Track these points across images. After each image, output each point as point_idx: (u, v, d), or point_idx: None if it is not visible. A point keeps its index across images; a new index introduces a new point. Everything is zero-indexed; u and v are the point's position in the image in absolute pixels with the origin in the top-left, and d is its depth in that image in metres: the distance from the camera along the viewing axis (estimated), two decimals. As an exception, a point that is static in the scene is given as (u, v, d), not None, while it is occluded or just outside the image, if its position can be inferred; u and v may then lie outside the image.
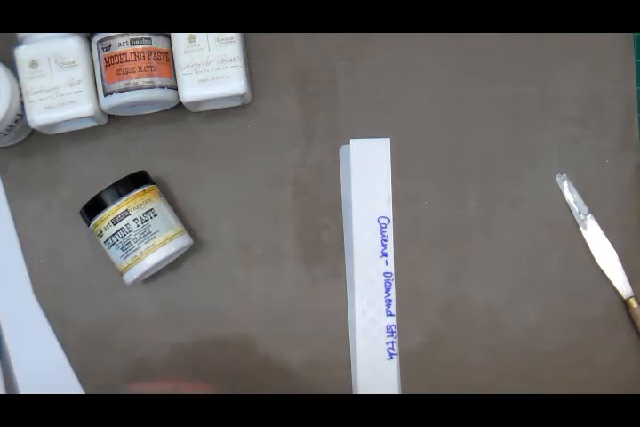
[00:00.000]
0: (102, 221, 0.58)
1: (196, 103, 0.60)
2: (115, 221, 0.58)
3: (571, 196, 0.63)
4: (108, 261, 0.60)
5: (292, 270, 0.63)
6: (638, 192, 0.63)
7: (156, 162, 0.63)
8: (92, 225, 0.59)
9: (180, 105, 0.62)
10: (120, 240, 0.58)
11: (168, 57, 0.60)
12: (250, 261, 0.63)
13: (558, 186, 0.63)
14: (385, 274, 0.62)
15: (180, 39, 0.59)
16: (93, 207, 0.58)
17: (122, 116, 0.63)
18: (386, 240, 0.62)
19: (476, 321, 0.62)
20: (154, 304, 0.63)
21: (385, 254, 0.62)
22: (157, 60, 0.59)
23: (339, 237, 0.63)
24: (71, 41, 0.59)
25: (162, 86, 0.59)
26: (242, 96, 0.60)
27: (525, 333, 0.62)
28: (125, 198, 0.58)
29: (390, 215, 0.62)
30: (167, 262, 0.61)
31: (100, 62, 0.59)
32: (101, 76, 0.59)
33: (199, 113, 0.63)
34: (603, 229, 0.62)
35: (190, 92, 0.59)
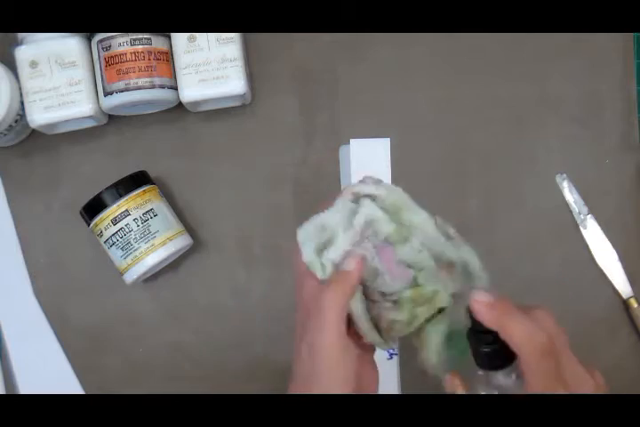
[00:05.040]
0: (102, 221, 0.58)
1: (196, 103, 0.60)
2: (115, 221, 0.58)
3: (571, 196, 0.63)
4: (108, 261, 0.60)
5: (292, 270, 0.63)
6: (638, 192, 0.63)
7: (156, 162, 0.63)
8: (92, 225, 0.59)
9: (180, 105, 0.62)
10: (120, 240, 0.58)
11: (168, 57, 0.60)
12: (250, 261, 0.63)
13: (558, 186, 0.63)
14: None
15: (180, 39, 0.59)
16: (93, 207, 0.58)
17: (122, 116, 0.63)
18: (386, 240, 0.62)
19: (476, 321, 0.62)
20: (154, 304, 0.63)
21: (385, 254, 0.62)
22: (157, 60, 0.59)
23: (339, 237, 0.63)
24: (71, 41, 0.59)
25: (162, 86, 0.59)
26: (242, 96, 0.60)
27: (525, 333, 0.62)
28: (125, 198, 0.58)
29: (390, 215, 0.62)
30: (167, 262, 0.61)
31: (99, 62, 0.59)
32: (101, 76, 0.59)
33: (199, 113, 0.63)
34: (603, 229, 0.62)
35: (190, 92, 0.59)
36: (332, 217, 0.45)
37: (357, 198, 0.45)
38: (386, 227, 0.44)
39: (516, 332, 0.38)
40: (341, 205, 0.45)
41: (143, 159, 0.63)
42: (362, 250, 0.44)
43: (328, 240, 0.45)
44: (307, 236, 0.45)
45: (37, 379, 0.63)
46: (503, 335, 0.39)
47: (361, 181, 0.46)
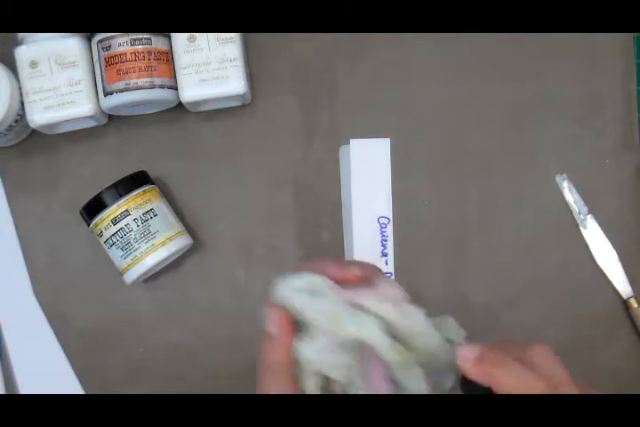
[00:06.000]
0: (102, 221, 0.58)
1: (196, 103, 0.60)
2: (115, 221, 0.58)
3: (571, 196, 0.63)
4: (108, 261, 0.60)
5: (292, 270, 0.63)
6: (638, 192, 0.63)
7: (156, 162, 0.63)
8: (92, 225, 0.59)
9: (180, 105, 0.62)
10: (120, 240, 0.58)
11: (168, 57, 0.60)
12: (250, 261, 0.63)
13: (558, 186, 0.63)
14: (385, 274, 0.62)
15: (180, 39, 0.59)
16: (93, 207, 0.58)
17: (122, 116, 0.63)
18: (386, 240, 0.62)
19: (476, 321, 0.62)
20: (154, 304, 0.63)
21: (385, 254, 0.62)
22: (157, 60, 0.59)
23: (339, 237, 0.63)
24: (71, 41, 0.59)
25: (162, 86, 0.59)
26: (242, 96, 0.60)
27: (525, 333, 0.62)
28: (125, 198, 0.58)
29: (390, 215, 0.62)
30: (167, 262, 0.61)
31: (99, 62, 0.59)
32: (101, 76, 0.59)
33: (199, 113, 0.63)
34: (603, 229, 0.62)
35: (190, 92, 0.59)
36: (317, 309, 0.40)
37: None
38: (388, 355, 0.39)
39: (510, 387, 0.36)
40: (333, 304, 0.40)
41: (143, 159, 0.63)
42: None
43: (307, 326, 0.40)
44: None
45: (37, 379, 0.63)
46: (496, 390, 0.36)
47: (373, 293, 0.40)
